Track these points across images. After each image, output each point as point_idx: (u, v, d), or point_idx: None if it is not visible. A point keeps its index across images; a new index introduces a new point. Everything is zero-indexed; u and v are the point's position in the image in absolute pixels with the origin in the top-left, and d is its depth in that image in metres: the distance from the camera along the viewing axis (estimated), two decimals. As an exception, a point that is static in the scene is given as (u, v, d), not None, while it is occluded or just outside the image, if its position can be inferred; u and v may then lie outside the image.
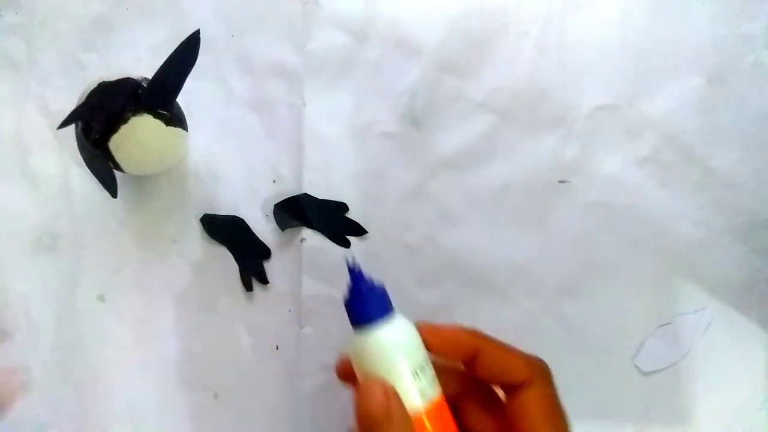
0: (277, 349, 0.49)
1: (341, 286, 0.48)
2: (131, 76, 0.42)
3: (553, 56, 0.49)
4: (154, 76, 0.40)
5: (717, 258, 0.48)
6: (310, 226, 0.49)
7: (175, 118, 0.43)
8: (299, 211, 0.48)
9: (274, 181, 0.49)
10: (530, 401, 0.30)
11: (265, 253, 0.49)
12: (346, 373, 0.33)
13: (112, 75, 0.41)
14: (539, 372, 0.32)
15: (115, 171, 0.42)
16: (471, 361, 0.31)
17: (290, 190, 0.49)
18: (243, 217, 0.49)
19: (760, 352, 0.48)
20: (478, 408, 0.33)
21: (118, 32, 0.50)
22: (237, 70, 0.50)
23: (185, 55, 0.39)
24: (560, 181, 0.49)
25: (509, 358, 0.31)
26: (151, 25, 0.50)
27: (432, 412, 0.29)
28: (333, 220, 0.49)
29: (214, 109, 0.50)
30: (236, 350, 0.49)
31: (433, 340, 0.32)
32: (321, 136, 0.49)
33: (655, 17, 0.49)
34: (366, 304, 0.31)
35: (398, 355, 0.30)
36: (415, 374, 0.29)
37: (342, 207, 0.49)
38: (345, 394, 0.48)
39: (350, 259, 0.32)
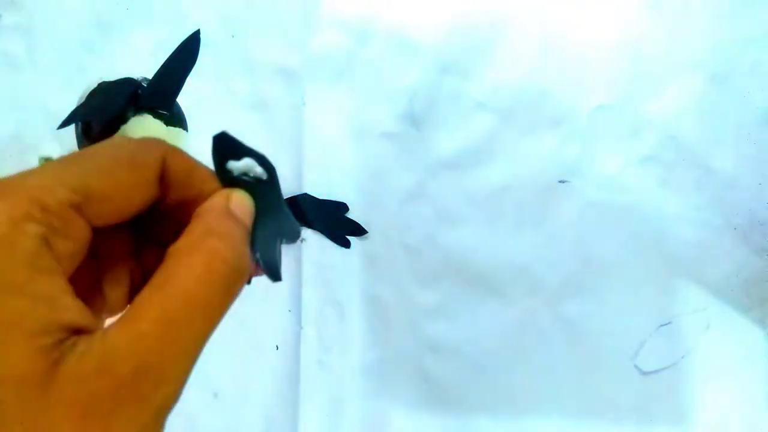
0: (277, 349, 0.49)
1: (341, 286, 0.49)
2: (131, 76, 0.42)
3: (553, 56, 0.49)
4: (154, 77, 0.40)
5: (717, 258, 0.48)
6: (310, 227, 0.49)
7: (175, 118, 0.43)
8: (299, 211, 0.48)
9: (274, 181, 0.49)
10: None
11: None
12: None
13: (112, 75, 0.41)
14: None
15: (115, 171, 0.42)
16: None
17: (290, 190, 0.49)
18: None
19: (760, 352, 0.48)
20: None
21: (118, 32, 0.50)
22: (237, 70, 0.50)
23: (185, 56, 0.39)
24: (560, 181, 0.49)
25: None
26: (151, 25, 0.50)
27: None
28: (333, 220, 0.49)
29: (214, 109, 0.50)
30: (236, 350, 0.49)
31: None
32: (321, 136, 0.49)
33: (655, 17, 0.49)
34: None
35: None
36: None
37: (342, 207, 0.49)
38: (345, 393, 0.48)
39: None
